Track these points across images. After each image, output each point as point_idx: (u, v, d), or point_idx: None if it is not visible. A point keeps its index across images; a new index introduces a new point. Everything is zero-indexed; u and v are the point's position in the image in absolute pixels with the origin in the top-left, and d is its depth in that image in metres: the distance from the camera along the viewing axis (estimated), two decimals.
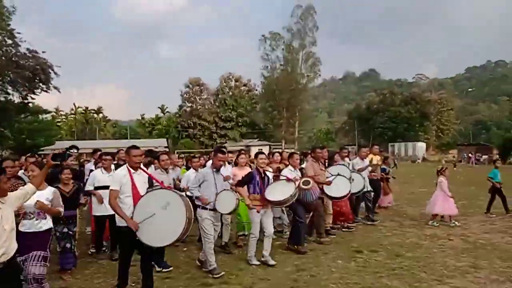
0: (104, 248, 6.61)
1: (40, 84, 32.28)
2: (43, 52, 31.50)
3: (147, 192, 4.51)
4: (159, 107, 78.07)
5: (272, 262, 5.83)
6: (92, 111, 73.34)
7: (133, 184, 4.51)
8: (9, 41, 30.69)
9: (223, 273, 5.33)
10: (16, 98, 32.89)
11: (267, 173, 6.22)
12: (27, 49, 30.87)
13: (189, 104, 62.66)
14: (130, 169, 4.58)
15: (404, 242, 7.25)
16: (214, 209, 5.41)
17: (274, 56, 56.56)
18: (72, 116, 72.52)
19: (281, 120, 55.75)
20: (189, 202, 4.43)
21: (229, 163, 8.07)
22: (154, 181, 4.95)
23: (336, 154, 8.73)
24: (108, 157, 6.59)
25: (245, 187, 5.89)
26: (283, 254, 6.43)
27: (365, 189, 8.63)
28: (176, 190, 4.83)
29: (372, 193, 9.25)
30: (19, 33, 30.85)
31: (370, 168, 9.09)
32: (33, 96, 33.69)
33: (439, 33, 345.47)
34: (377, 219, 9.14)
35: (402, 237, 7.64)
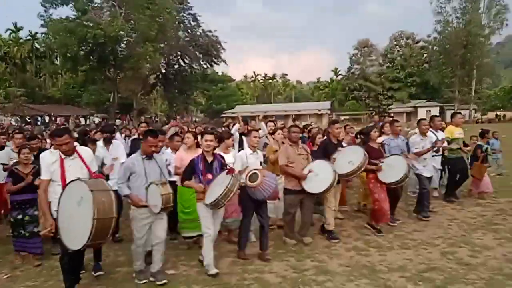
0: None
1: (213, 58, 39.46)
2: (214, 30, 38.54)
3: (68, 183, 3.88)
4: (332, 70, 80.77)
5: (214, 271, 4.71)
6: (268, 77, 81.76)
7: (63, 172, 4.04)
8: (194, 23, 38.47)
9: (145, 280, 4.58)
10: (197, 69, 41.12)
11: (225, 156, 5.27)
12: (202, 29, 38.16)
13: (357, 66, 62.96)
14: (61, 154, 4.08)
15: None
16: (145, 206, 4.39)
17: (449, 8, 51.31)
18: (253, 82, 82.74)
19: (453, 78, 50.86)
20: (109, 198, 3.69)
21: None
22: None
23: (371, 130, 6.42)
24: None
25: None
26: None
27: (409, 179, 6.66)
28: (93, 181, 3.88)
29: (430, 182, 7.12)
30: (200, 15, 38.32)
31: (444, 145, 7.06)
32: (209, 67, 41.59)
33: None
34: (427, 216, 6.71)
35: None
